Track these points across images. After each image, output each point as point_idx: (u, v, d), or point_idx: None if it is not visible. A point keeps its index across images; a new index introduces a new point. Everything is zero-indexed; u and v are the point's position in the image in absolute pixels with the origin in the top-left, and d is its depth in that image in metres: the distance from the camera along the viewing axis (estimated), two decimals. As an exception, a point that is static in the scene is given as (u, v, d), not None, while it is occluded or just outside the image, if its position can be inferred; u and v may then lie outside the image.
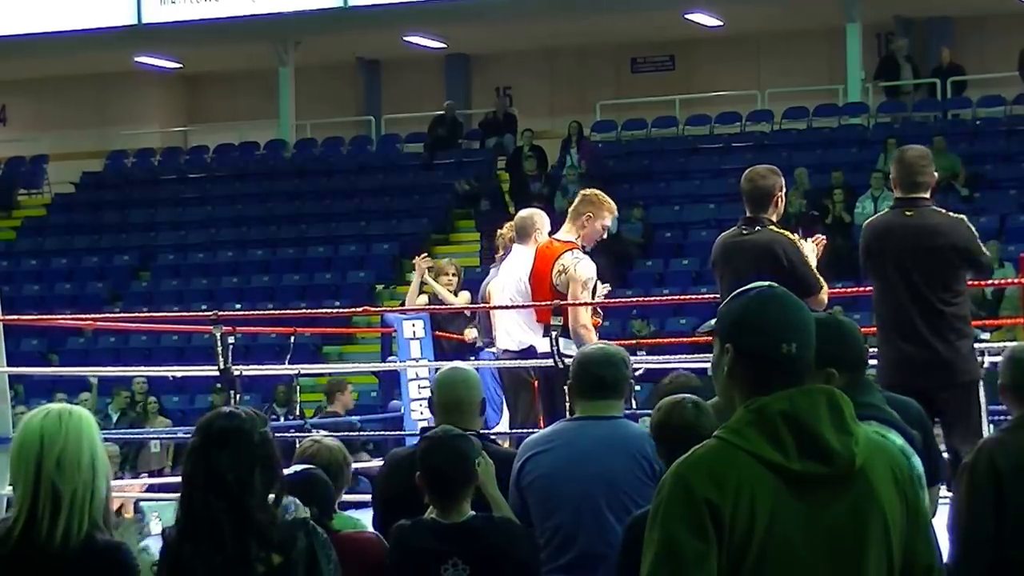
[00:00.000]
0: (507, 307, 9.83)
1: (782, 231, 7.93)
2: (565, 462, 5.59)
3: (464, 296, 12.97)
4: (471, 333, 12.26)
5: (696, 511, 3.29)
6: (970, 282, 7.86)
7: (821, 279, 7.95)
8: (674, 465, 3.40)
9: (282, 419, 16.07)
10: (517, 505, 5.56)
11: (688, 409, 5.19)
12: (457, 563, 5.03)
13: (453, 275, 12.91)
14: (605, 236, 9.53)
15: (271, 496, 4.30)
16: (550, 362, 9.15)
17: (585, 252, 9.32)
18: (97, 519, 4.21)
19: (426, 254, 13.60)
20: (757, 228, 7.88)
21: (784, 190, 8.08)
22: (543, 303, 9.26)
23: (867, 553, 3.38)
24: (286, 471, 5.24)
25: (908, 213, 7.60)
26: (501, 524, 5.19)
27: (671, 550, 3.29)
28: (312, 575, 4.28)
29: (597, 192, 9.50)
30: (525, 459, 5.70)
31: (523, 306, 9.55)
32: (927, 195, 7.67)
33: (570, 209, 9.42)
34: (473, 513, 5.15)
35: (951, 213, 7.76)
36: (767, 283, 3.55)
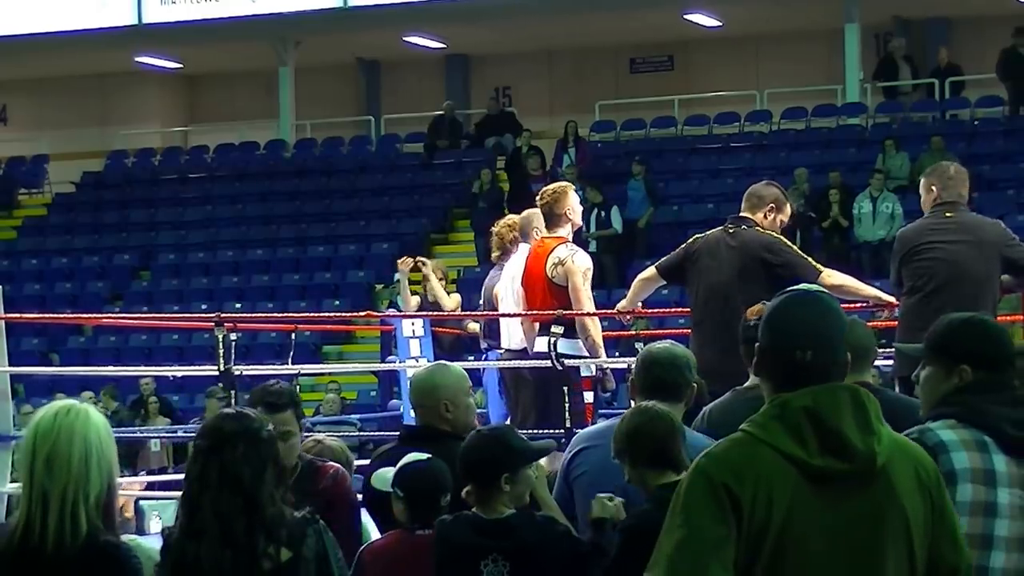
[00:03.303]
0: (487, 315, 9.83)
1: (767, 231, 8.11)
2: (611, 460, 5.49)
3: (455, 299, 12.94)
4: (473, 326, 12.15)
5: (716, 498, 3.37)
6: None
7: (819, 265, 8.12)
8: (698, 458, 3.50)
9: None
10: (564, 498, 5.55)
11: (646, 413, 5.12)
12: (497, 559, 4.96)
13: (440, 279, 12.81)
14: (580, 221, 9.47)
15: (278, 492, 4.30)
16: (547, 363, 9.14)
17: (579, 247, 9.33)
18: (95, 518, 4.15)
19: (407, 258, 13.47)
20: (743, 227, 8.08)
21: (782, 214, 8.22)
22: (537, 310, 9.19)
23: (885, 552, 3.42)
24: (401, 462, 5.29)
25: (948, 215, 8.01)
26: (541, 522, 5.10)
27: (690, 535, 3.36)
28: (323, 571, 4.28)
29: (553, 187, 9.40)
30: (575, 452, 5.69)
31: (517, 315, 9.46)
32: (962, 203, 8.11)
33: (543, 214, 9.26)
34: (514, 510, 5.08)
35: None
36: (804, 286, 3.66)
